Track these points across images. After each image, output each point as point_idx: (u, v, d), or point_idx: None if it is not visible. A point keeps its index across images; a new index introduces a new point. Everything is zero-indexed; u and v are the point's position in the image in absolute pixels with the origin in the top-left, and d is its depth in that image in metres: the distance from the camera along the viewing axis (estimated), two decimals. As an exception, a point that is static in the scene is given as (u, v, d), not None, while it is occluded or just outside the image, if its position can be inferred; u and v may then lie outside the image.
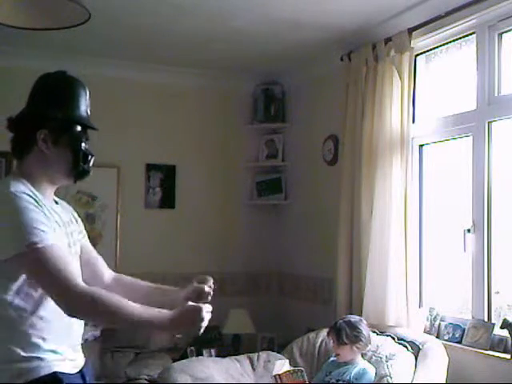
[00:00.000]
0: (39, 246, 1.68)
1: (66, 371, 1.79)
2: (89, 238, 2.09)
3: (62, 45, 4.13)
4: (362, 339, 3.18)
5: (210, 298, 1.95)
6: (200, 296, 1.93)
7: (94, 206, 4.62)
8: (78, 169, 1.91)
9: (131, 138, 4.78)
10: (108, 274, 2.11)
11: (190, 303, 1.79)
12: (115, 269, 2.10)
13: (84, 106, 1.93)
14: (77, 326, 1.89)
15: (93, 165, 1.96)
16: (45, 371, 1.74)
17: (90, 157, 1.94)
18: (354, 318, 3.31)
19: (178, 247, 4.88)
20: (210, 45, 4.29)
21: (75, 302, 1.69)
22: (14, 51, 4.12)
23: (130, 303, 1.72)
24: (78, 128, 1.90)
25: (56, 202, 1.95)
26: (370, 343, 3.23)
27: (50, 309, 1.76)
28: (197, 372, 3.43)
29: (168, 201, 4.93)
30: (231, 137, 5.14)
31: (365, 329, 3.22)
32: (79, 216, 2.06)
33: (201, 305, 1.78)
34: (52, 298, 1.71)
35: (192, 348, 4.44)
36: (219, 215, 5.06)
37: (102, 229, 4.63)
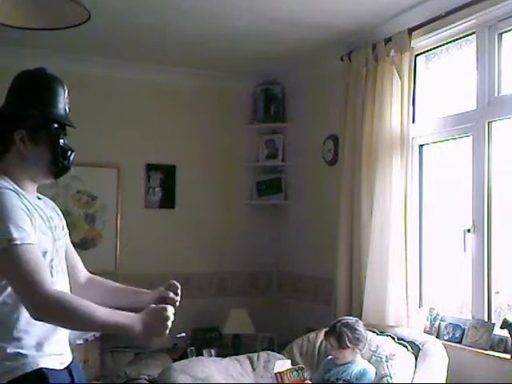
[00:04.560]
0: (18, 243, 1.67)
1: (52, 367, 1.79)
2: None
3: (62, 45, 4.12)
4: (363, 340, 3.20)
5: (176, 304, 1.95)
6: (164, 302, 1.92)
7: (94, 206, 4.60)
8: (57, 166, 1.91)
9: (131, 138, 4.78)
10: (84, 274, 2.12)
11: (153, 305, 1.82)
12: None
13: (62, 104, 1.92)
14: None
15: (73, 160, 1.95)
16: (30, 367, 1.74)
17: (69, 152, 1.93)
18: (350, 319, 3.30)
19: (177, 247, 4.87)
20: (210, 45, 4.29)
21: (41, 307, 1.68)
22: (14, 51, 4.11)
23: (98, 308, 1.73)
24: (56, 125, 1.90)
25: (39, 198, 1.95)
26: (367, 342, 3.25)
27: None
28: (197, 372, 3.43)
29: (168, 201, 4.92)
30: (231, 137, 5.13)
31: (362, 329, 3.24)
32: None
33: (163, 305, 1.81)
34: (20, 299, 1.70)
35: (192, 348, 4.44)
36: (219, 215, 5.06)
37: (101, 229, 4.59)
